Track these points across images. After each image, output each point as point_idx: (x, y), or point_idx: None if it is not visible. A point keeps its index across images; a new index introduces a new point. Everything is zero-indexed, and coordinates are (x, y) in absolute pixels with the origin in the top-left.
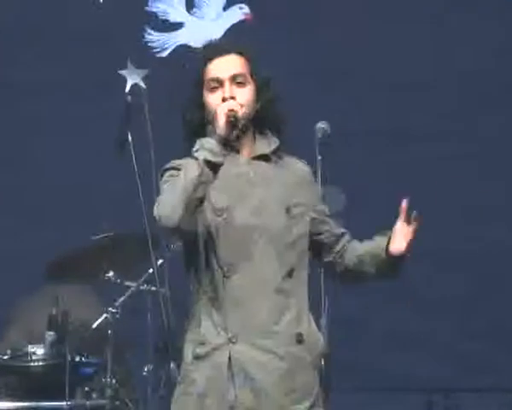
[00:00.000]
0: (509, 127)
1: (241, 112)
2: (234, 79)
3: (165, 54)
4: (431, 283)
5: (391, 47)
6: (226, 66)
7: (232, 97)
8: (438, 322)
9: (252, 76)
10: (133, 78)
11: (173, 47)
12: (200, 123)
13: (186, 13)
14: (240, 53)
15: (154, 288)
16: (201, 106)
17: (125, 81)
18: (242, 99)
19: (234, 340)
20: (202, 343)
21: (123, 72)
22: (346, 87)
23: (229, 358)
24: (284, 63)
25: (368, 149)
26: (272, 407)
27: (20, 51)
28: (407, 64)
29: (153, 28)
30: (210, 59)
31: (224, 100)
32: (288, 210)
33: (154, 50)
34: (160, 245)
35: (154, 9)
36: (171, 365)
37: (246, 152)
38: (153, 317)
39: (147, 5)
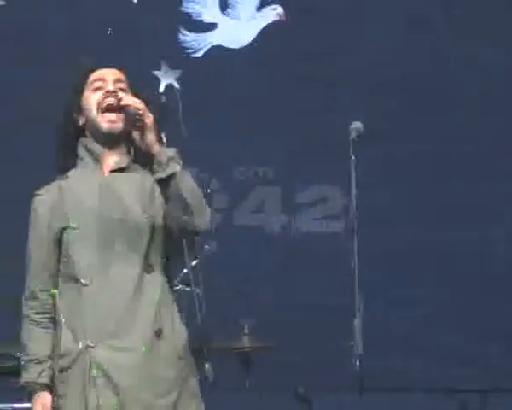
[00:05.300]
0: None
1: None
2: (117, 83)
3: (199, 54)
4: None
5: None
6: (110, 71)
7: (115, 91)
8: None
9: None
10: (167, 78)
11: (207, 48)
12: (76, 132)
13: (220, 13)
14: (121, 70)
15: (188, 288)
16: (79, 114)
17: (159, 82)
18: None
19: (92, 345)
20: (64, 355)
21: (157, 72)
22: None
23: (90, 363)
24: (316, 62)
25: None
26: (135, 404)
27: (54, 51)
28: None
29: (187, 29)
30: (92, 70)
31: (107, 92)
32: (144, 210)
33: (189, 51)
34: (195, 246)
35: (189, 10)
36: (206, 365)
37: (107, 164)
38: (187, 317)
39: (181, 6)
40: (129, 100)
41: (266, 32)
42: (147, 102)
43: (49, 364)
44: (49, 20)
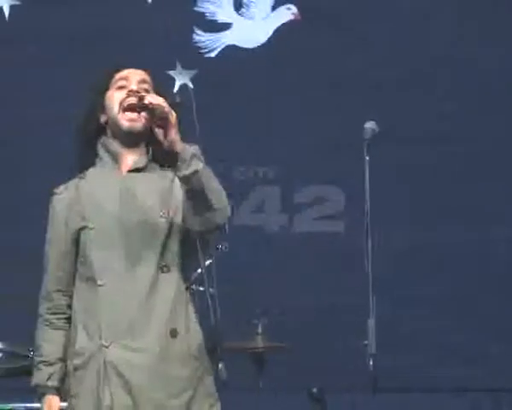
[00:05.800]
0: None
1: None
2: (141, 84)
3: (213, 54)
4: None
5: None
6: (134, 71)
7: (138, 91)
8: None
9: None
10: (181, 78)
11: (222, 47)
12: (97, 131)
13: (234, 13)
14: (146, 71)
15: (202, 288)
16: (102, 112)
17: (173, 82)
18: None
19: (106, 344)
20: (79, 354)
21: (172, 72)
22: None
23: (104, 362)
24: (329, 63)
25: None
26: (148, 404)
27: (68, 53)
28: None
29: (201, 29)
30: (118, 70)
31: (130, 91)
32: (161, 211)
33: (203, 51)
34: (209, 245)
35: (203, 10)
36: (220, 365)
37: (126, 164)
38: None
39: (195, 6)
40: (153, 98)
41: (280, 32)
42: (168, 101)
43: (59, 366)
44: (61, 20)
